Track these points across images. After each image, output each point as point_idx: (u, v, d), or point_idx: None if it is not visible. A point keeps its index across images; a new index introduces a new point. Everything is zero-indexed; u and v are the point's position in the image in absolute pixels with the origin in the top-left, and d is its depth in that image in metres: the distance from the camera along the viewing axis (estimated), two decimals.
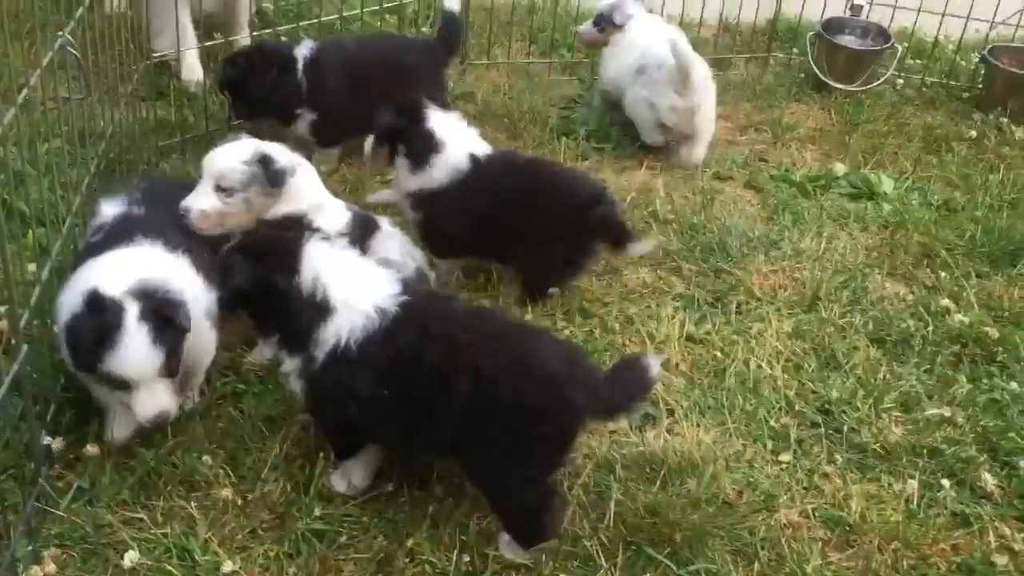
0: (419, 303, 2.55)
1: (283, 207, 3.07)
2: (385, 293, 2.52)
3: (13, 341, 2.43)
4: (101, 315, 2.47)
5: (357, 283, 2.54)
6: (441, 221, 3.42)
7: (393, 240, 3.26)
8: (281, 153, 3.09)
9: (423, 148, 3.37)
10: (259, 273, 2.48)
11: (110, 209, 2.95)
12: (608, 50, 4.73)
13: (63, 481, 2.63)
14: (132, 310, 2.48)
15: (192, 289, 2.72)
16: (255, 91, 3.95)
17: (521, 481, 2.48)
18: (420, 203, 3.43)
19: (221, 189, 3.00)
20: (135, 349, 2.47)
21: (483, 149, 3.48)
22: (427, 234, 3.48)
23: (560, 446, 2.52)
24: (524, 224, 3.40)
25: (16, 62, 3.11)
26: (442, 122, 3.42)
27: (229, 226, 3.00)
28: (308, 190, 3.13)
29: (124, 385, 2.51)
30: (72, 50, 2.92)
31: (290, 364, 2.57)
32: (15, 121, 2.45)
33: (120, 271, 2.59)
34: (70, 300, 2.57)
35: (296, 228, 2.86)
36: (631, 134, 4.66)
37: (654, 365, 2.50)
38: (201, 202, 2.98)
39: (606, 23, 4.73)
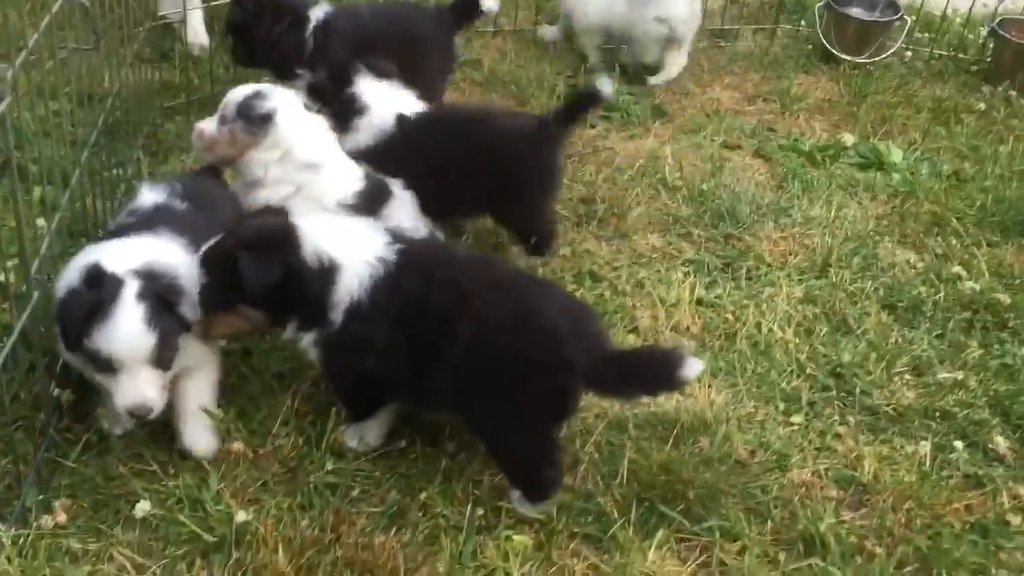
0: (415, 250, 2.55)
1: (267, 153, 3.05)
2: (380, 244, 2.52)
3: (25, 288, 2.40)
4: (96, 289, 2.33)
5: (354, 240, 2.53)
6: None
7: (406, 206, 3.24)
8: (280, 100, 3.07)
9: (346, 110, 3.40)
10: (277, 262, 2.43)
11: (150, 196, 2.81)
12: None
13: (72, 433, 2.61)
14: (131, 287, 2.35)
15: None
16: (259, 39, 3.89)
17: (518, 433, 2.49)
18: None
19: (222, 117, 3.06)
20: (125, 326, 2.31)
21: (414, 108, 3.46)
22: None
23: (558, 403, 2.50)
24: (465, 175, 3.34)
25: (18, 23, 3.08)
26: (370, 85, 3.44)
27: (218, 154, 3.10)
28: (298, 144, 3.07)
29: (109, 367, 2.35)
30: None
31: (308, 338, 2.54)
32: (17, 79, 2.41)
33: (132, 253, 2.47)
34: (71, 276, 2.44)
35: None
36: (640, 101, 4.64)
37: (692, 366, 2.39)
38: (205, 123, 3.10)
39: None
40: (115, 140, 3.46)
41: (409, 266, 2.48)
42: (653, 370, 2.45)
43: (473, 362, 2.41)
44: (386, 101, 3.43)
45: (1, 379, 2.36)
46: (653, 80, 4.86)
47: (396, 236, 2.58)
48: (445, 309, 2.42)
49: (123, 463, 2.55)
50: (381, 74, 3.58)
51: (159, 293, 2.38)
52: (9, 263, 2.75)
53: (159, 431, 2.64)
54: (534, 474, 2.51)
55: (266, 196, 3.04)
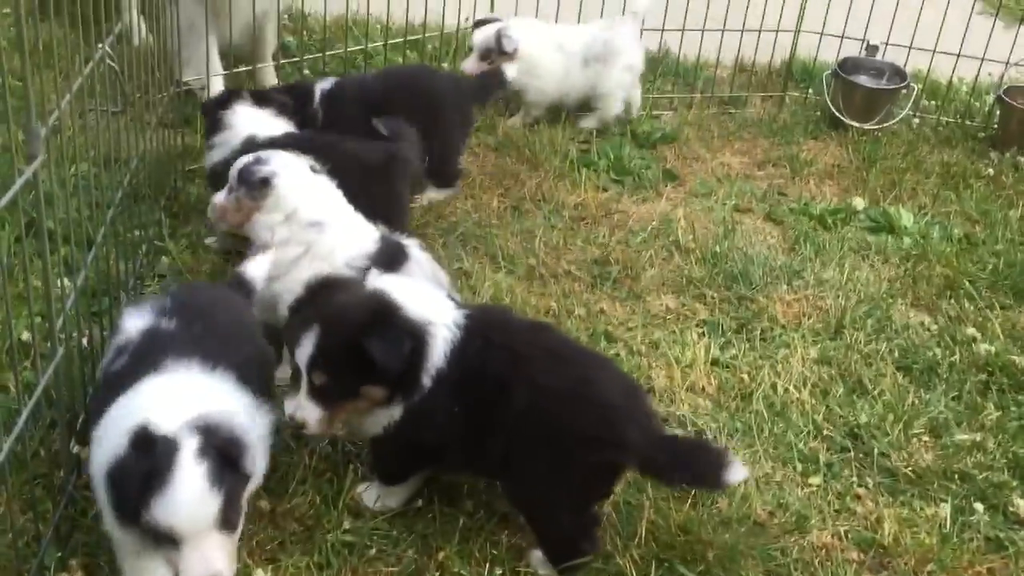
0: (479, 315, 2.56)
1: (271, 215, 3.12)
2: (452, 307, 2.54)
3: (49, 344, 2.43)
4: (149, 455, 2.05)
5: (437, 303, 2.54)
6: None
7: (422, 267, 3.27)
8: (279, 163, 3.17)
9: (210, 127, 3.76)
10: (403, 334, 2.39)
11: (134, 323, 2.50)
12: (520, 65, 4.75)
13: (90, 490, 2.60)
14: (188, 448, 2.06)
15: (249, 416, 2.31)
16: None
17: (563, 506, 2.47)
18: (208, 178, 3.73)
19: (229, 187, 3.19)
20: (187, 495, 2.03)
21: (269, 133, 3.64)
22: None
23: (606, 479, 2.51)
24: None
25: (47, 88, 3.15)
26: (242, 110, 3.70)
27: (229, 221, 3.22)
28: (301, 203, 3.13)
29: (171, 539, 2.05)
30: (111, 62, 2.96)
31: (399, 408, 2.47)
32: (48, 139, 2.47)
33: (176, 400, 2.19)
34: (115, 439, 2.12)
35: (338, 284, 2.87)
36: (651, 166, 4.72)
37: (738, 472, 2.38)
38: (218, 195, 3.24)
39: (495, 54, 4.78)
40: (137, 202, 3.52)
41: (472, 330, 2.47)
42: (700, 465, 2.42)
43: (526, 431, 2.39)
44: (247, 124, 3.67)
45: (24, 437, 2.38)
46: (586, 123, 5.05)
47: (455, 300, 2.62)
48: (502, 375, 2.41)
49: None
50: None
51: (220, 449, 2.09)
52: (32, 321, 2.81)
53: None
54: (571, 546, 2.50)
55: (279, 258, 3.09)
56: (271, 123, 3.75)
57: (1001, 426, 3.20)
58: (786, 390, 3.29)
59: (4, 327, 2.80)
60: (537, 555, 2.53)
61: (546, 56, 4.93)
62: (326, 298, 2.58)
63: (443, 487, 2.72)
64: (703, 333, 3.57)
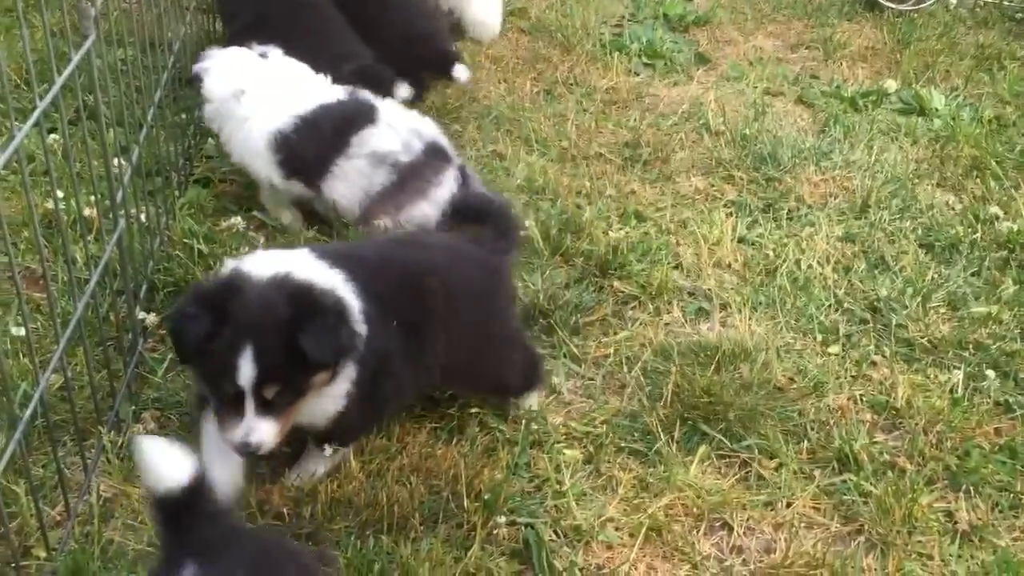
0: (347, 248, 2.69)
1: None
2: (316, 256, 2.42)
3: (112, 218, 2.60)
4: None
5: (315, 264, 2.39)
6: None
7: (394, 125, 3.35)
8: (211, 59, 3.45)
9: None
10: (331, 314, 2.23)
11: None
12: None
13: (158, 352, 2.82)
14: None
15: None
16: None
17: (517, 342, 2.75)
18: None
19: None
20: None
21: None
22: None
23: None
24: None
25: None
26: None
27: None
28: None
29: None
30: None
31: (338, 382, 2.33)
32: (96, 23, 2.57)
33: None
34: None
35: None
36: (683, 49, 4.74)
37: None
38: None
39: None
40: (182, 86, 3.64)
41: (357, 260, 2.42)
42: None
43: (455, 304, 2.48)
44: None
45: (95, 304, 2.57)
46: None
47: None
48: (411, 274, 2.45)
49: None
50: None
51: None
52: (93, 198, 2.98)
53: None
54: (534, 369, 2.75)
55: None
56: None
57: (1018, 299, 3.31)
58: (809, 266, 3.41)
59: (70, 203, 2.98)
60: (522, 402, 2.74)
61: None
62: (236, 311, 2.18)
63: None
64: (731, 212, 3.67)
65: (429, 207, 3.26)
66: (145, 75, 3.17)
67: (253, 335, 2.14)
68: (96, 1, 2.48)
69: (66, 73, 2.28)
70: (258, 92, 3.35)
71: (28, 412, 2.10)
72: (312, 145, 3.27)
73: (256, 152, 3.30)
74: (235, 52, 3.50)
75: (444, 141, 3.39)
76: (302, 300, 2.21)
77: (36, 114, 2.10)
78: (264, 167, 3.31)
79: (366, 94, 3.41)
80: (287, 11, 3.88)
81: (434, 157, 3.31)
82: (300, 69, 3.45)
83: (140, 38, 3.25)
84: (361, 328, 2.27)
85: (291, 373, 2.19)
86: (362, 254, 2.53)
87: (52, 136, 3.39)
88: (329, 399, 2.33)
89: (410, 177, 3.28)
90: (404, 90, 3.86)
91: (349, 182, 3.27)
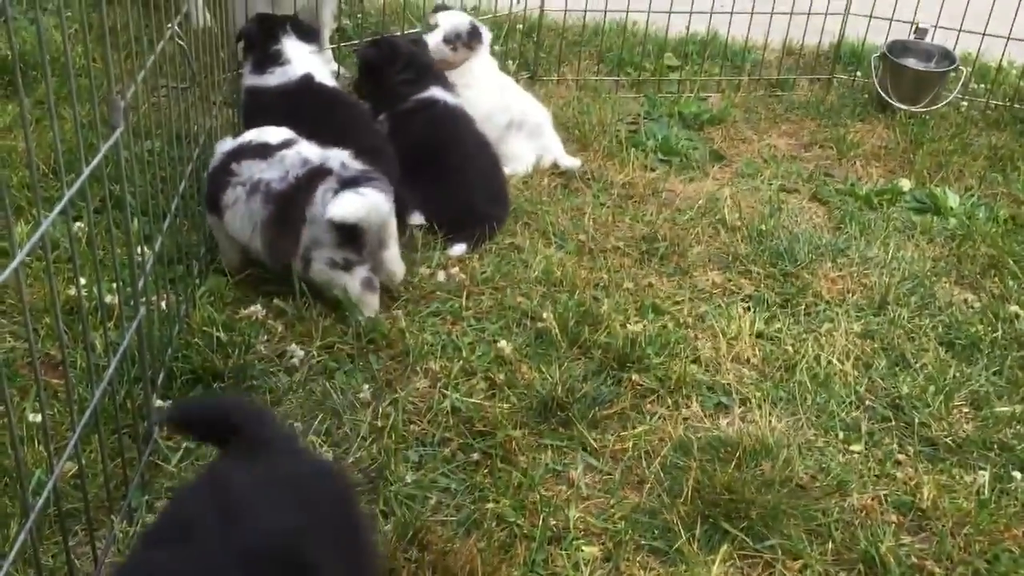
0: None
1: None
2: None
3: (132, 303, 2.61)
4: None
5: None
6: None
7: None
8: None
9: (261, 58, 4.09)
10: None
11: None
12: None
13: (172, 441, 2.80)
14: None
15: None
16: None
17: None
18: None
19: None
20: None
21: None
22: None
23: None
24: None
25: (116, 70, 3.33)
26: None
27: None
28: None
29: None
30: (179, 40, 3.13)
31: None
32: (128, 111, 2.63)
33: None
34: None
35: None
36: (698, 146, 4.82)
37: None
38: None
39: (461, 43, 4.64)
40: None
41: None
42: None
43: None
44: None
45: (111, 391, 2.56)
46: None
47: None
48: None
49: None
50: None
51: None
52: (115, 286, 3.01)
53: None
54: None
55: None
56: (319, 64, 4.11)
57: None
58: (829, 362, 3.38)
59: (92, 290, 3.00)
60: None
61: None
62: None
63: (498, 444, 2.87)
64: (748, 307, 3.67)
65: None
66: (171, 166, 3.24)
67: None
68: (126, 94, 2.55)
69: (94, 163, 2.32)
70: None
71: (41, 500, 2.08)
72: None
73: None
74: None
75: None
76: None
77: (63, 202, 2.13)
78: None
79: None
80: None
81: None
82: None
83: (167, 131, 3.34)
84: None
85: None
86: None
87: (77, 224, 3.44)
88: None
89: None
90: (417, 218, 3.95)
91: None
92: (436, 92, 4.20)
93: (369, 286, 3.37)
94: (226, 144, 3.55)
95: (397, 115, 4.16)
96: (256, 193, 3.36)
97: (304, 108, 3.92)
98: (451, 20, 4.59)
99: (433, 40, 4.50)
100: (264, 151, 3.44)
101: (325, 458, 2.24)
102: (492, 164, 4.18)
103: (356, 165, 3.39)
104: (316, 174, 3.33)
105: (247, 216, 3.38)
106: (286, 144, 3.46)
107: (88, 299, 3.08)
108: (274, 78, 4.01)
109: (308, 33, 4.20)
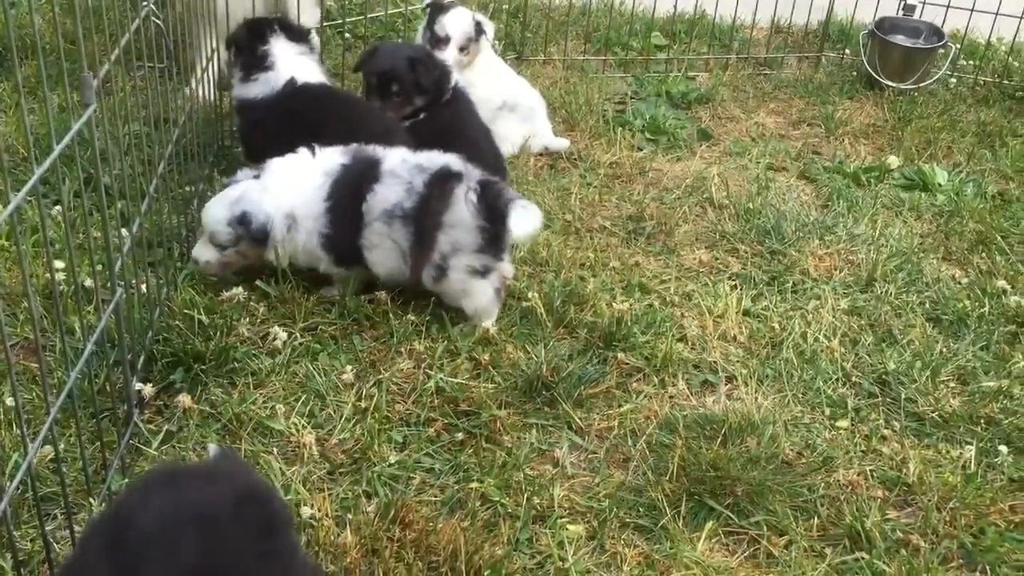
0: None
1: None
2: None
3: (110, 288, 2.58)
4: None
5: None
6: None
7: None
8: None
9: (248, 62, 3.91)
10: None
11: None
12: None
13: (154, 424, 2.78)
14: None
15: None
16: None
17: None
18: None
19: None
20: None
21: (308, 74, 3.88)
22: None
23: None
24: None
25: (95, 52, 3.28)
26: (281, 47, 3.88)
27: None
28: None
29: None
30: (155, 19, 3.08)
31: None
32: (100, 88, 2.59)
33: None
34: None
35: None
36: (685, 126, 4.78)
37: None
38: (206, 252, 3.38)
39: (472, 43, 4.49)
40: (187, 160, 3.66)
41: None
42: None
43: None
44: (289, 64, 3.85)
45: (90, 374, 2.53)
46: None
47: None
48: None
49: (197, 453, 2.71)
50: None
51: None
52: (93, 269, 2.97)
53: (229, 423, 2.80)
54: None
55: None
56: (307, 64, 3.92)
57: None
58: (816, 339, 3.37)
59: (69, 274, 2.97)
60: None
61: None
62: None
63: (483, 423, 2.85)
64: (735, 285, 3.65)
65: None
66: (149, 147, 3.19)
67: None
68: (100, 72, 2.51)
69: (65, 140, 2.28)
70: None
71: (15, 482, 2.05)
72: None
73: None
74: None
75: None
76: None
77: (34, 179, 2.10)
78: None
79: None
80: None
81: None
82: None
83: (144, 111, 3.29)
84: None
85: None
86: None
87: (56, 208, 3.40)
88: None
89: None
90: None
91: None
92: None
93: (499, 295, 3.33)
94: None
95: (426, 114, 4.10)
96: (394, 220, 3.20)
97: (296, 114, 3.81)
98: (459, 27, 4.42)
99: (451, 55, 4.37)
100: (369, 175, 3.26)
101: (256, 480, 2.01)
102: (492, 144, 4.15)
103: (460, 162, 3.32)
104: (442, 178, 3.21)
105: (394, 249, 3.25)
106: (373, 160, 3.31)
107: (66, 283, 3.05)
108: (258, 86, 3.85)
109: (297, 33, 4.10)
